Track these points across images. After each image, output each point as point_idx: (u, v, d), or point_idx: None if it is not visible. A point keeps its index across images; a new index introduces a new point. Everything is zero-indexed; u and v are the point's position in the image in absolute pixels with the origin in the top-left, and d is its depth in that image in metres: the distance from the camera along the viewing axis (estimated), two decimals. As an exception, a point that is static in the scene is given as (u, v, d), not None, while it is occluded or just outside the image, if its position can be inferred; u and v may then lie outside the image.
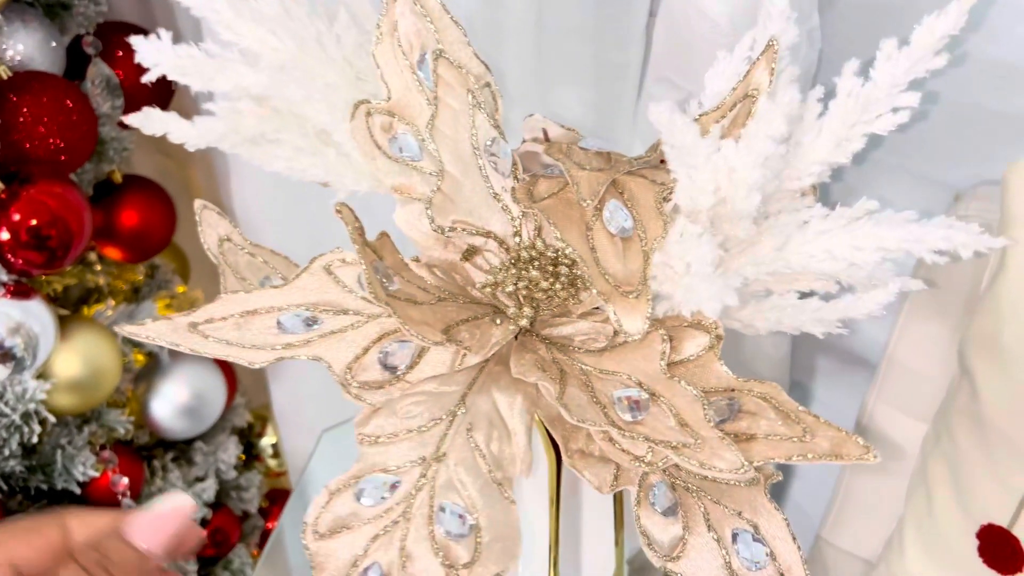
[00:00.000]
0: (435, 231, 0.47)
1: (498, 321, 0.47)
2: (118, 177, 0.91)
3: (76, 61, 0.85)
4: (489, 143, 0.48)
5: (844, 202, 0.48)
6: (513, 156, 0.48)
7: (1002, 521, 0.59)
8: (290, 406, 1.11)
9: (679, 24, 0.71)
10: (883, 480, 0.82)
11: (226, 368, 1.02)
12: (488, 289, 0.48)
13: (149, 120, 0.49)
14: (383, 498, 0.44)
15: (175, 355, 0.97)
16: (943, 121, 0.70)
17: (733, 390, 0.44)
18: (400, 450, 0.44)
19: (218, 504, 1.05)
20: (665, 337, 0.45)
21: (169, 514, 0.38)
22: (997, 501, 0.59)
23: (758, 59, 0.46)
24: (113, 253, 0.93)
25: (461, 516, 0.43)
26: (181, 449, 1.03)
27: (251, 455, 1.19)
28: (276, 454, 1.23)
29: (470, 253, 0.49)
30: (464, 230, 0.47)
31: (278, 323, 0.46)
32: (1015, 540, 0.58)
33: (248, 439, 1.18)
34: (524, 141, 0.51)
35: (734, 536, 0.44)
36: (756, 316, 0.50)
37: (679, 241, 0.44)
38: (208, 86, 0.49)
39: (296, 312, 0.46)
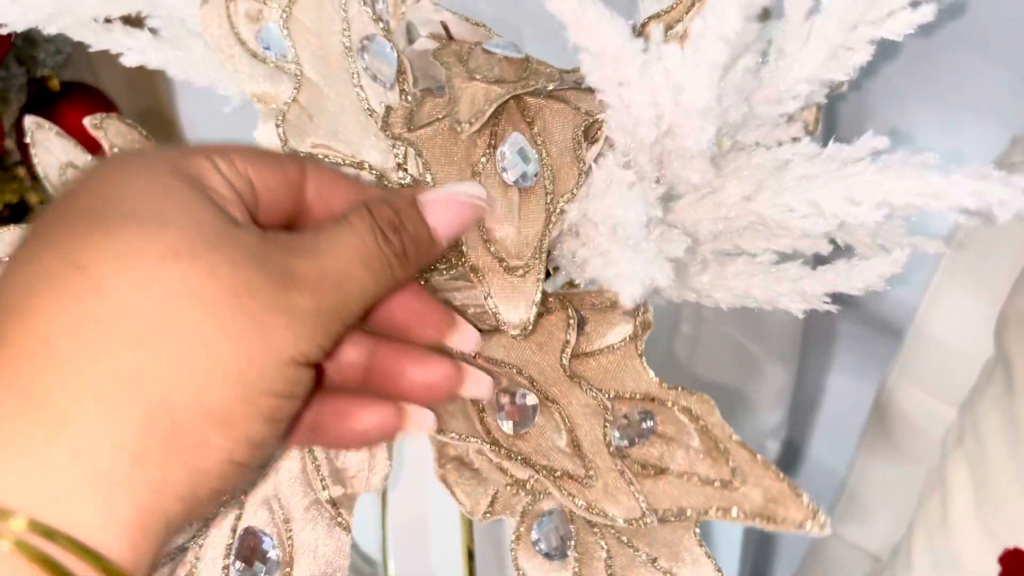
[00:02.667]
0: (290, 157, 0.36)
1: None
2: (55, 84, 0.83)
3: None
4: (366, 42, 0.36)
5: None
6: (401, 61, 0.37)
7: (1032, 548, 0.47)
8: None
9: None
10: (901, 468, 0.71)
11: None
12: None
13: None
14: None
15: None
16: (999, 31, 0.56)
17: (653, 399, 0.32)
18: None
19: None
20: (572, 321, 0.33)
21: (466, 200, 0.32)
22: (1028, 523, 0.47)
23: None
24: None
25: (264, 549, 0.33)
26: None
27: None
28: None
29: (339, 188, 0.38)
30: (326, 157, 0.36)
31: None
32: (1046, 573, 0.46)
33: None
34: (418, 38, 0.38)
35: None
36: (717, 285, 0.38)
37: (607, 190, 0.32)
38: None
39: None
